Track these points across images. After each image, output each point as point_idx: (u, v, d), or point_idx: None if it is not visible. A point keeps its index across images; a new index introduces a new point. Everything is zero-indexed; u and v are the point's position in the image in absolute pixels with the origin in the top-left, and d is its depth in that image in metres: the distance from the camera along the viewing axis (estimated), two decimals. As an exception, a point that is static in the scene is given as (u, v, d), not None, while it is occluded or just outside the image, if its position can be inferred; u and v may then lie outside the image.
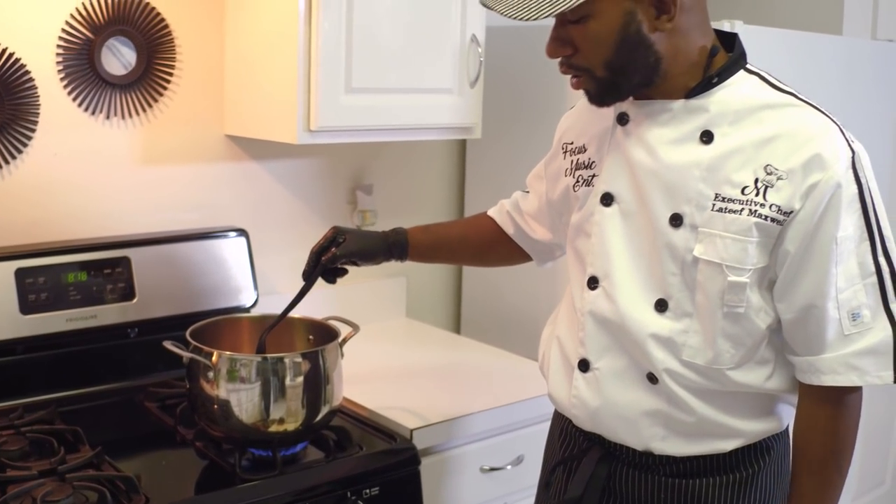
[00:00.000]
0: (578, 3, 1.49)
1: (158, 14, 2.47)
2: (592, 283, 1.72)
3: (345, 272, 2.09)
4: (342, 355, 2.09)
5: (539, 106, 2.85)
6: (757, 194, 1.56)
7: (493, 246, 2.16)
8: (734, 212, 1.57)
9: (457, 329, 3.27)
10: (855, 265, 1.57)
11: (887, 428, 3.60)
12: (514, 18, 1.52)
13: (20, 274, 2.23)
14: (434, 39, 2.50)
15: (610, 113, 1.71)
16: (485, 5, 1.59)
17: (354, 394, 2.30)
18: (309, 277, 2.05)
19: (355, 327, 2.14)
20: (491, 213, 2.16)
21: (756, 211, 1.56)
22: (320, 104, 2.33)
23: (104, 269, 2.34)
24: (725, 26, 2.33)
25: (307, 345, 2.17)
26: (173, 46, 2.51)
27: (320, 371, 2.01)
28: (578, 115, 1.88)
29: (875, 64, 2.95)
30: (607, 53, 1.56)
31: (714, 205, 1.58)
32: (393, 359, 2.69)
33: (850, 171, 1.56)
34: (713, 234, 1.59)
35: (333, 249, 2.04)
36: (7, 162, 2.31)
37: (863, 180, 1.57)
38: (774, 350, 1.66)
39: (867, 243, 1.57)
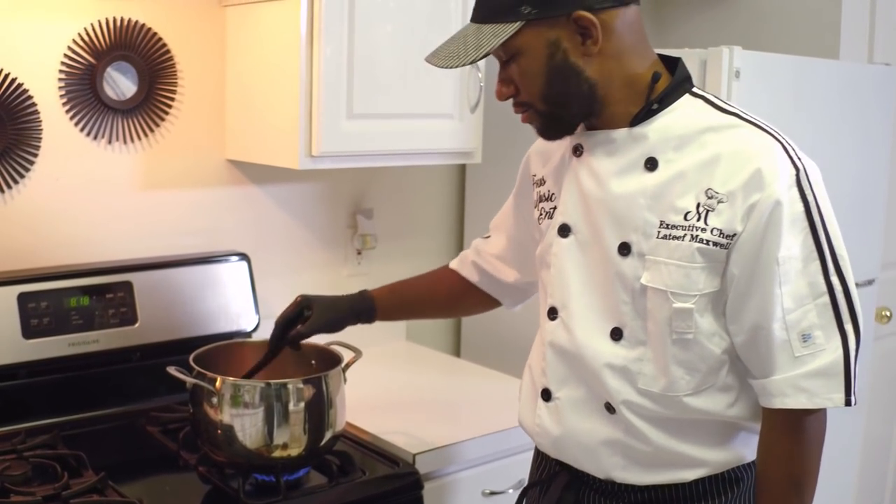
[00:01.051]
0: (500, 41, 1.56)
1: (160, 39, 2.48)
2: (552, 313, 1.74)
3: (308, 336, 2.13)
4: (345, 380, 2.09)
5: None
6: (699, 219, 1.56)
7: (459, 298, 2.17)
8: (677, 238, 1.57)
9: (457, 352, 3.27)
10: (805, 285, 1.55)
11: (886, 446, 3.61)
12: (447, 68, 1.61)
13: (22, 298, 2.23)
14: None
15: (568, 144, 1.73)
16: (427, 61, 1.66)
17: (356, 418, 2.29)
18: (274, 348, 2.10)
19: (358, 352, 2.14)
20: (452, 265, 2.17)
21: (697, 236, 1.56)
22: (322, 130, 2.34)
23: (106, 294, 2.34)
24: (725, 53, 2.35)
25: (310, 370, 2.16)
26: (175, 71, 2.53)
27: (324, 396, 2.01)
28: (540, 147, 1.91)
29: (871, 87, 2.96)
30: (540, 85, 1.60)
31: (659, 232, 1.59)
32: (394, 383, 2.69)
33: (794, 189, 1.54)
34: (658, 261, 1.59)
35: (299, 327, 2.07)
36: (9, 187, 2.32)
37: (809, 198, 1.55)
38: (738, 377, 1.65)
39: (817, 263, 1.55)
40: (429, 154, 2.60)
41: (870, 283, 3.10)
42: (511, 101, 1.68)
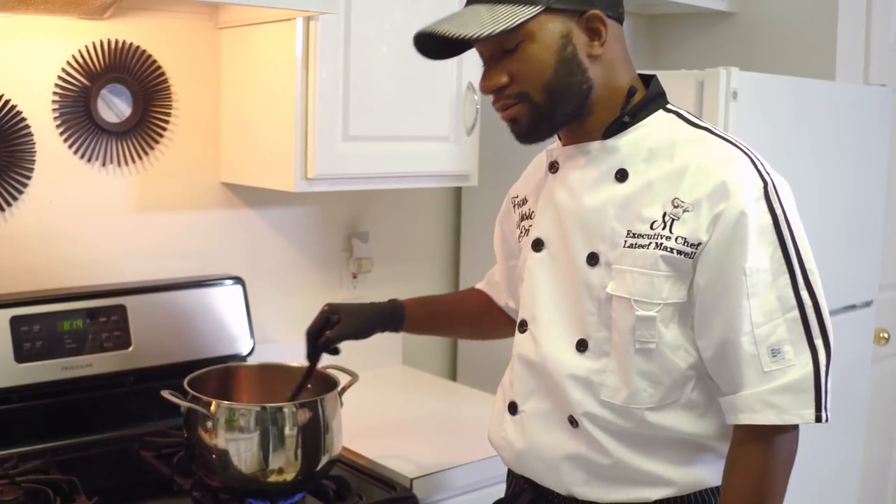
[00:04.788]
0: (519, 21, 1.55)
1: (155, 62, 2.47)
2: (522, 326, 1.77)
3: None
4: (341, 404, 2.07)
5: (535, 153, 2.84)
6: (664, 228, 1.57)
7: (486, 316, 2.15)
8: (642, 246, 1.58)
9: (453, 376, 3.25)
10: (774, 299, 1.53)
11: (885, 469, 3.59)
12: (460, 38, 1.56)
13: (15, 322, 2.21)
14: (430, 87, 2.51)
15: (545, 163, 1.76)
16: (426, 31, 1.61)
17: (353, 443, 2.27)
18: (312, 360, 2.08)
19: (354, 376, 2.12)
20: (480, 286, 2.17)
21: (662, 244, 1.57)
22: (318, 152, 2.33)
23: (100, 318, 2.32)
24: (722, 74, 2.34)
25: (306, 394, 2.15)
26: (169, 94, 2.52)
27: (320, 420, 1.99)
28: (525, 171, 1.93)
29: (868, 108, 2.96)
30: (547, 75, 1.60)
31: (626, 241, 1.60)
32: (390, 407, 2.67)
33: (762, 202, 1.54)
34: (624, 269, 1.60)
35: (328, 333, 2.04)
36: (2, 209, 2.30)
37: (778, 212, 1.55)
38: (706, 395, 1.63)
39: (786, 277, 1.54)
40: (425, 177, 2.60)
41: (868, 304, 3.09)
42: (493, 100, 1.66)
